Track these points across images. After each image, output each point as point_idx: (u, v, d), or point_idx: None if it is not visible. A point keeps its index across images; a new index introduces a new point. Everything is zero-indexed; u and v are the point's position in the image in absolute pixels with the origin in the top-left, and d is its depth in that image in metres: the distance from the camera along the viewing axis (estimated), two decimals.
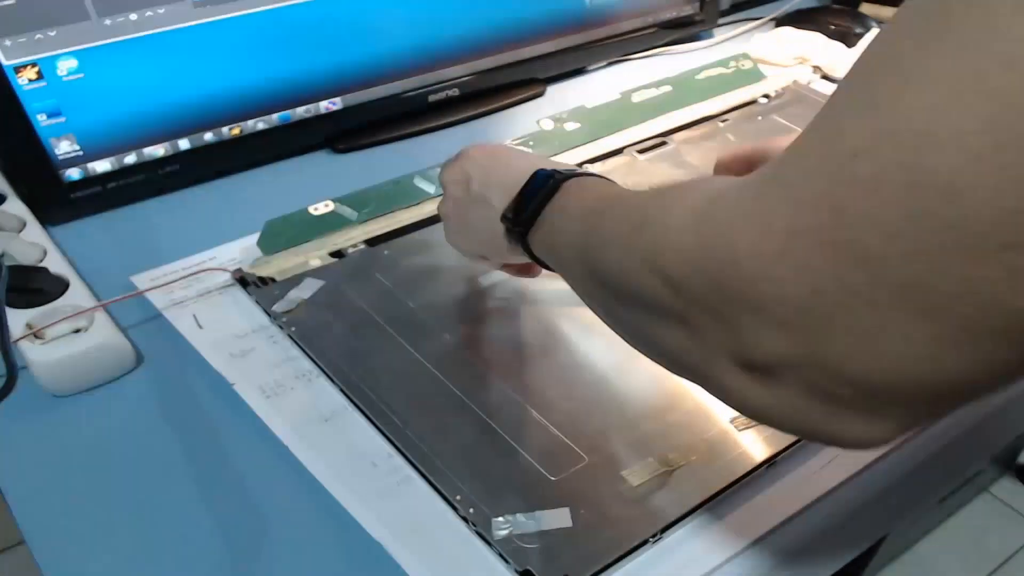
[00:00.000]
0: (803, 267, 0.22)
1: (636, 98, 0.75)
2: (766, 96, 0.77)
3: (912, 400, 0.22)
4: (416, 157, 0.68)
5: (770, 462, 0.42)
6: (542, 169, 0.39)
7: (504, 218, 0.40)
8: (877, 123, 0.21)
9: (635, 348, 0.32)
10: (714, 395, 0.27)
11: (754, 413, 0.26)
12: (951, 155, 0.19)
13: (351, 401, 0.45)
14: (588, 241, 0.33)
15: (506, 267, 0.51)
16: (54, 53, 0.55)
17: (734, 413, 0.44)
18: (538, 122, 0.72)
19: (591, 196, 0.36)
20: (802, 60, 0.83)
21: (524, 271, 0.50)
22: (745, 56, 0.80)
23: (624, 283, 0.30)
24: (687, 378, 0.29)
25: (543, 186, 0.37)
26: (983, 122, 0.19)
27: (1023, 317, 0.20)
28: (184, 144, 0.63)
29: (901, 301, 0.21)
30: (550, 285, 0.54)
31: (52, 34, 0.54)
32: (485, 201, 0.42)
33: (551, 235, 0.37)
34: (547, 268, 0.40)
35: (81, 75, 0.56)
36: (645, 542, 0.39)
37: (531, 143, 0.68)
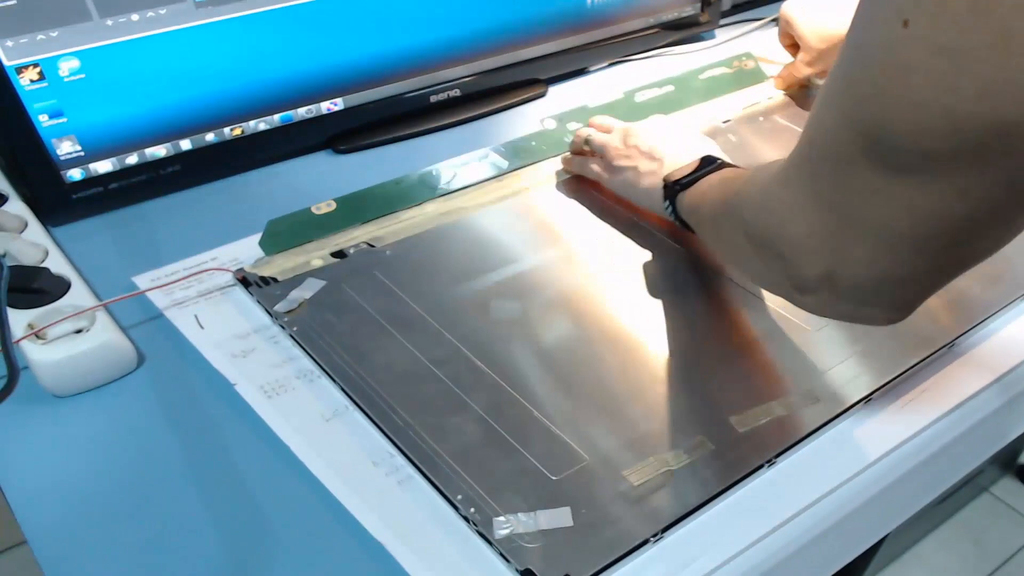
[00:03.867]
0: (806, 218, 0.35)
1: (639, 98, 0.75)
2: (769, 96, 0.77)
3: (879, 291, 0.35)
4: (417, 157, 0.68)
5: (770, 462, 0.43)
6: (709, 156, 0.53)
7: (668, 180, 0.53)
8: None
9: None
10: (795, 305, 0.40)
11: (816, 313, 0.39)
12: None
13: (352, 401, 0.46)
14: (724, 199, 0.45)
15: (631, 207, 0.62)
16: (56, 53, 0.55)
17: (734, 413, 0.45)
18: (541, 121, 0.72)
19: (728, 173, 0.50)
20: None
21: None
22: (749, 56, 0.80)
23: (726, 232, 0.44)
24: (775, 293, 0.41)
25: (712, 164, 0.52)
26: None
27: (918, 234, 0.32)
28: (186, 144, 0.63)
29: (853, 234, 0.33)
30: (552, 286, 0.54)
31: (54, 35, 0.54)
32: (656, 161, 0.56)
33: (699, 195, 0.51)
34: (679, 221, 0.54)
35: (83, 76, 0.56)
36: (645, 542, 0.39)
37: (533, 143, 0.68)
